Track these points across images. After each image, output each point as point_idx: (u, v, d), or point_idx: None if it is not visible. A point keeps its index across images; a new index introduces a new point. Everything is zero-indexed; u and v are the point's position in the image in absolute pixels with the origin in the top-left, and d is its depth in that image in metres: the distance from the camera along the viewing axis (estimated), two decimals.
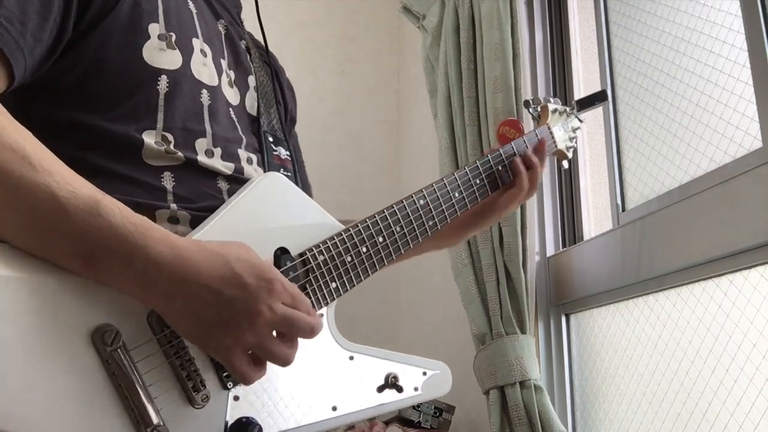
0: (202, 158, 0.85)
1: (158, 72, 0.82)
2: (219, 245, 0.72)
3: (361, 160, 2.73)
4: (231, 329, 0.69)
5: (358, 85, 2.82)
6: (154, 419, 0.68)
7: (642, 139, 1.61)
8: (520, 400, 1.53)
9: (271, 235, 0.82)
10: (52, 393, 0.63)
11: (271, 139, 1.00)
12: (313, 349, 0.84)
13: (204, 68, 0.88)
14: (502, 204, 1.10)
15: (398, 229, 0.94)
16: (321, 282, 0.85)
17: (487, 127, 1.75)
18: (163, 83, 0.82)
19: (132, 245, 0.65)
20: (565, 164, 1.30)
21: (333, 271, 0.86)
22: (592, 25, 1.87)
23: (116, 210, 0.66)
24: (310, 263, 0.84)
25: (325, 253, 0.85)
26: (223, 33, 0.97)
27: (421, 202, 0.97)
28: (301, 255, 0.84)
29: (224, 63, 0.94)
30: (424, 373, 0.92)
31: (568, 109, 1.29)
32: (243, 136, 0.93)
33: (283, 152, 1.02)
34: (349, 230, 0.89)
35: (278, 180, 0.86)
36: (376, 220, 0.91)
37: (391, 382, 0.89)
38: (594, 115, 1.64)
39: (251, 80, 1.00)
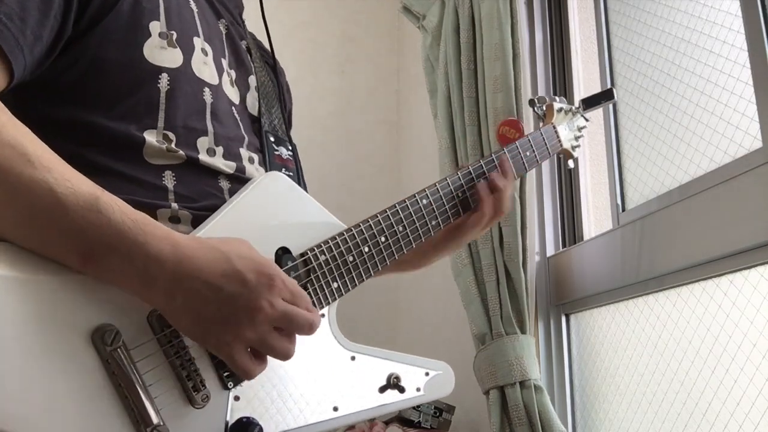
0: (203, 157, 0.85)
1: (159, 70, 0.82)
2: (219, 242, 0.72)
3: (361, 160, 2.73)
4: (231, 325, 0.69)
5: (358, 85, 2.82)
6: (154, 419, 0.68)
7: (642, 139, 1.61)
8: (520, 400, 1.53)
9: (273, 235, 0.82)
10: (52, 393, 0.63)
11: (272, 139, 1.00)
12: (315, 349, 0.84)
13: (205, 67, 0.88)
14: (468, 225, 1.05)
15: (401, 228, 0.94)
16: (322, 282, 0.85)
17: (487, 127, 1.75)
18: (163, 81, 0.82)
19: (131, 242, 0.65)
20: (571, 164, 1.30)
21: (335, 270, 0.86)
22: (592, 25, 1.87)
23: (116, 207, 0.66)
24: (312, 263, 0.84)
25: (326, 253, 0.85)
26: (224, 32, 0.97)
27: (424, 201, 0.97)
28: (302, 255, 0.83)
29: (225, 62, 0.94)
30: (427, 374, 0.92)
31: (573, 107, 1.28)
32: (245, 135, 0.93)
33: (284, 152, 1.01)
34: (351, 230, 0.89)
35: (280, 179, 0.86)
36: (379, 220, 0.91)
37: (393, 383, 0.89)
38: (594, 115, 1.63)
39: (252, 80, 1.00)
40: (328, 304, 0.86)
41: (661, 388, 1.38)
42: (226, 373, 0.75)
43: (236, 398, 0.76)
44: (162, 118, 0.82)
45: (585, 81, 1.90)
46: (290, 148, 1.04)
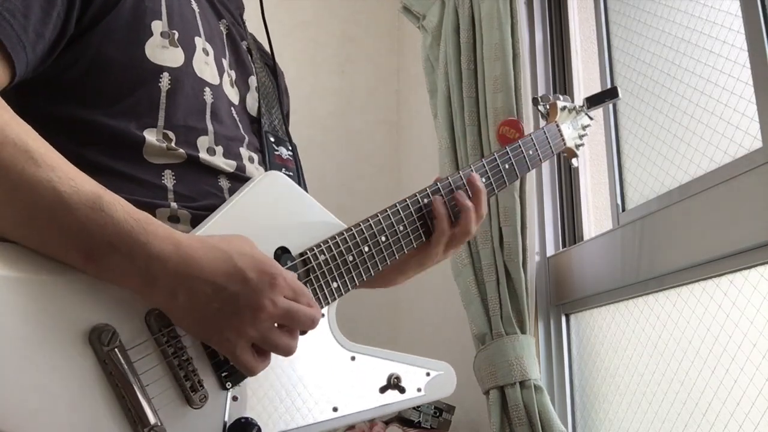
0: (203, 156, 0.85)
1: (160, 69, 0.82)
2: (221, 240, 0.72)
3: (361, 160, 2.73)
4: (234, 323, 0.69)
5: (358, 85, 2.81)
6: (152, 419, 0.68)
7: (642, 139, 1.61)
8: (520, 400, 1.53)
9: (272, 234, 0.82)
10: (49, 393, 0.63)
11: (272, 139, 1.00)
12: (314, 349, 0.84)
13: (206, 67, 0.88)
14: (432, 244, 0.97)
15: (401, 228, 0.93)
16: (322, 282, 0.84)
17: (487, 127, 1.75)
18: (165, 80, 0.82)
19: (133, 241, 0.65)
20: (575, 162, 1.29)
21: (334, 270, 0.86)
22: (592, 25, 1.87)
23: (118, 206, 0.66)
24: (311, 263, 0.84)
25: (326, 253, 0.85)
26: (224, 33, 0.97)
27: (425, 201, 0.97)
28: (301, 254, 0.83)
29: (225, 62, 0.94)
30: (428, 374, 0.92)
31: (577, 106, 1.28)
32: (245, 135, 0.93)
33: (284, 152, 1.01)
34: (351, 229, 0.88)
35: (279, 179, 0.86)
36: (379, 219, 0.91)
37: (394, 383, 0.89)
38: (594, 115, 1.63)
39: (252, 81, 1.00)
40: (328, 304, 0.85)
41: (661, 388, 1.38)
42: (224, 374, 0.75)
43: (234, 398, 0.76)
44: (162, 117, 0.82)
45: (585, 81, 1.90)
46: (290, 148, 1.04)
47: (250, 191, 0.83)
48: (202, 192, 0.84)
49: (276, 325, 0.72)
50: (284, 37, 2.65)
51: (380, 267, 0.91)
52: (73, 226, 0.64)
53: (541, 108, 1.25)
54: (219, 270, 0.69)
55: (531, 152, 1.13)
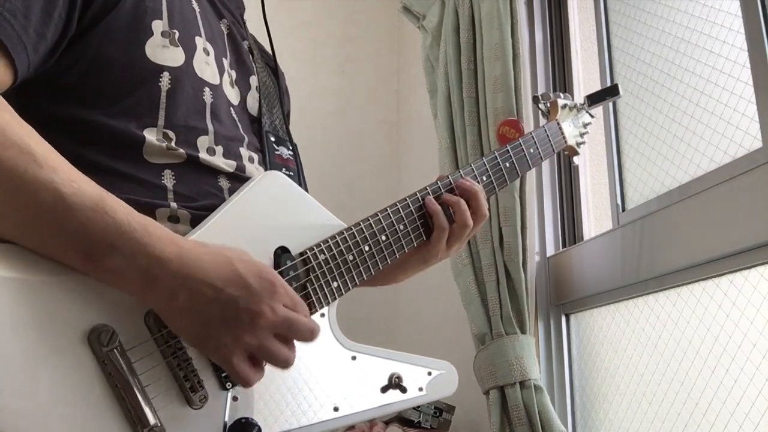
0: (203, 156, 0.85)
1: (161, 69, 0.82)
2: (221, 247, 0.72)
3: (361, 160, 2.73)
4: (232, 327, 0.68)
5: (358, 85, 2.81)
6: (151, 420, 0.68)
7: (642, 139, 1.61)
8: (520, 400, 1.53)
9: (272, 234, 0.82)
10: (48, 394, 0.63)
11: (273, 139, 1.00)
12: (315, 349, 0.83)
13: (206, 66, 0.88)
14: (432, 242, 0.98)
15: (402, 227, 0.93)
16: (322, 281, 0.84)
17: (487, 127, 1.75)
18: (165, 80, 0.82)
19: (136, 242, 0.65)
20: (576, 160, 1.29)
21: (334, 270, 0.86)
22: (592, 25, 1.87)
23: (120, 208, 0.66)
24: (311, 262, 0.84)
25: (326, 252, 0.85)
26: (225, 33, 0.97)
27: (425, 199, 0.97)
28: (301, 254, 0.83)
29: (226, 62, 0.94)
30: (429, 373, 0.92)
31: (578, 104, 1.28)
32: (245, 135, 0.93)
33: (285, 152, 1.01)
34: (351, 229, 0.88)
35: (279, 178, 0.86)
36: (379, 218, 0.91)
37: (395, 383, 0.88)
38: (595, 113, 1.63)
39: (253, 80, 1.00)
40: (328, 303, 0.85)
41: (661, 388, 1.38)
42: (224, 374, 0.75)
43: (235, 398, 0.76)
44: (162, 116, 0.82)
45: (585, 81, 1.90)
46: (291, 147, 1.04)
47: (249, 191, 0.83)
48: (202, 192, 0.84)
49: (274, 335, 0.71)
50: (284, 37, 2.65)
51: (381, 266, 0.90)
52: (74, 227, 0.64)
53: (541, 106, 1.25)
54: (220, 273, 0.69)
55: (532, 150, 1.13)
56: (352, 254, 0.87)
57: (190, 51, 0.86)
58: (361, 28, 2.88)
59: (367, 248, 0.89)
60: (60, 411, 0.64)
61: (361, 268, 0.88)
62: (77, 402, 0.65)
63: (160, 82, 0.82)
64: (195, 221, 0.80)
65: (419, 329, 2.39)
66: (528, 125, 1.80)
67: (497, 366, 1.58)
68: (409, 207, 0.94)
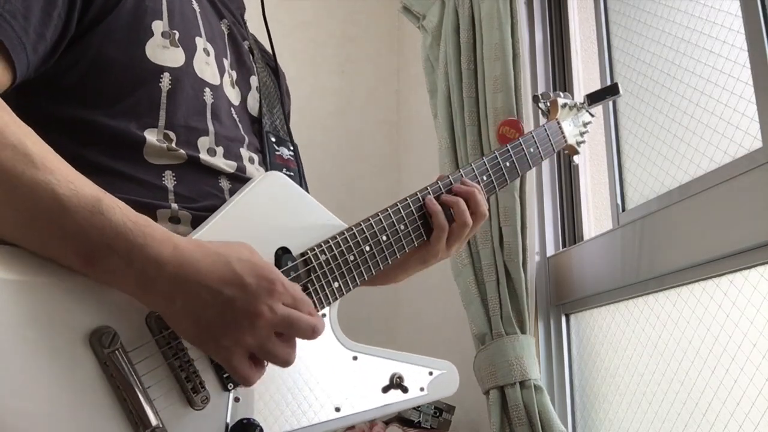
0: (204, 156, 0.85)
1: (161, 69, 0.82)
2: (221, 245, 0.72)
3: (361, 160, 2.73)
4: (231, 329, 0.68)
5: (358, 85, 2.81)
6: (153, 421, 0.68)
7: (642, 139, 1.61)
8: (520, 400, 1.53)
9: (272, 235, 0.82)
10: (50, 395, 0.63)
11: (273, 140, 1.00)
12: (316, 350, 0.83)
13: (207, 67, 0.88)
14: (432, 242, 0.98)
15: (402, 227, 0.93)
16: (323, 281, 0.84)
17: (487, 127, 1.75)
18: (165, 81, 0.82)
19: (131, 243, 0.65)
20: (576, 159, 1.29)
21: (335, 270, 0.86)
22: (592, 25, 1.87)
23: (117, 209, 0.66)
24: (312, 263, 0.84)
25: (327, 253, 0.85)
26: (226, 33, 0.97)
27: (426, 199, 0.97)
28: (302, 255, 0.83)
29: (227, 63, 0.94)
30: (431, 373, 0.92)
31: (578, 103, 1.28)
32: (245, 136, 0.93)
33: (285, 152, 1.01)
34: (352, 229, 0.88)
35: (279, 179, 0.86)
36: (380, 218, 0.91)
37: (396, 383, 0.88)
38: (595, 113, 1.63)
39: (254, 81, 1.00)
40: (329, 304, 0.85)
41: (661, 388, 1.38)
42: (226, 375, 0.75)
43: (236, 399, 0.76)
44: (163, 117, 0.82)
45: (585, 81, 1.90)
46: (291, 148, 1.04)
47: (250, 191, 0.83)
48: (203, 193, 0.83)
49: (275, 334, 0.71)
50: (284, 37, 2.65)
51: (381, 266, 0.90)
52: (72, 229, 0.64)
53: (541, 105, 1.25)
54: (217, 275, 0.68)
55: (532, 150, 1.13)
56: (353, 254, 0.87)
57: (190, 51, 0.86)
58: (361, 28, 2.88)
59: (367, 248, 0.89)
60: (61, 412, 0.64)
61: (362, 268, 0.88)
62: (78, 403, 0.65)
63: (161, 82, 0.82)
64: (196, 222, 0.80)
65: (419, 329, 2.39)
66: (528, 125, 1.80)
67: (497, 366, 1.58)
68: (410, 207, 0.95)
